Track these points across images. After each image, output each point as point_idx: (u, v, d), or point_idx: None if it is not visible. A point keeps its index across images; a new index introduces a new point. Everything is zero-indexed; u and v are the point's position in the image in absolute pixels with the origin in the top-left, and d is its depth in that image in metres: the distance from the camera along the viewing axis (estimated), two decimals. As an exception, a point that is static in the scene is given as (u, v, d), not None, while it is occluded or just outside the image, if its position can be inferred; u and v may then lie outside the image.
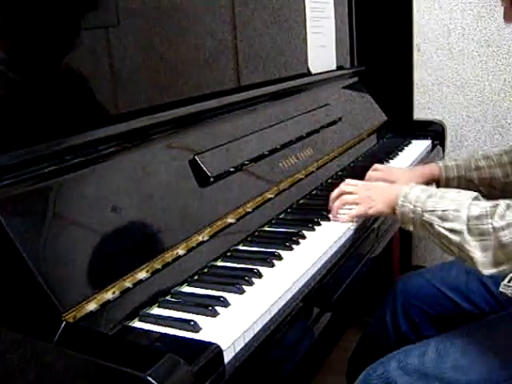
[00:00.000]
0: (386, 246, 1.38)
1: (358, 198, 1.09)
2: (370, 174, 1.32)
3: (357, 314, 2.03)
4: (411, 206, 0.98)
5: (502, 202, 0.90)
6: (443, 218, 0.93)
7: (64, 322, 0.68)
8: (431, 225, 0.95)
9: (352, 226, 1.11)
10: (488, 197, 1.39)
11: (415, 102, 2.15)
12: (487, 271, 0.89)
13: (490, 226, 0.88)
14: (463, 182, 1.33)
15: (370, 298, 1.92)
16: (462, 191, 0.99)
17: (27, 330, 0.68)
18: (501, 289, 1.09)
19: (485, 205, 0.91)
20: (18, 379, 0.69)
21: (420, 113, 2.15)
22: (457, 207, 0.92)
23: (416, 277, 1.30)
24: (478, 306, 1.18)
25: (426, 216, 0.96)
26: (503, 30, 1.97)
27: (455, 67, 2.07)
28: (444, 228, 0.93)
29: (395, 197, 1.02)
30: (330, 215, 1.12)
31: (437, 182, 1.35)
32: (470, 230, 0.90)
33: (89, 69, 0.91)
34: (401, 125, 1.97)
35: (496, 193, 1.36)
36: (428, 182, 1.34)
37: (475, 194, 0.97)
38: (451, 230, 0.92)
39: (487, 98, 2.05)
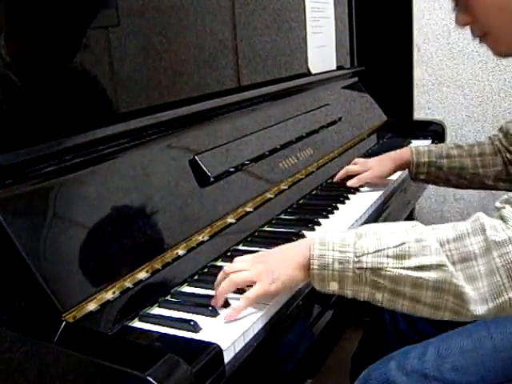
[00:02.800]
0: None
1: (252, 275, 0.78)
2: (348, 167, 1.40)
3: (357, 313, 2.03)
4: (336, 254, 0.72)
5: (482, 214, 0.71)
6: (401, 256, 0.69)
7: (64, 322, 0.68)
8: (378, 270, 0.70)
9: (352, 225, 1.11)
10: (456, 187, 1.40)
11: (415, 102, 2.15)
12: (481, 310, 0.69)
13: (476, 245, 0.68)
14: (433, 170, 1.33)
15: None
16: (389, 223, 0.77)
17: (27, 330, 0.68)
18: None
19: (451, 224, 0.72)
20: (18, 379, 0.69)
21: (420, 113, 2.16)
22: (416, 236, 0.70)
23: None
24: None
25: (369, 260, 0.70)
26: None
27: (455, 67, 2.07)
28: (407, 268, 0.69)
29: (305, 251, 0.75)
30: (216, 306, 0.79)
31: (408, 166, 1.36)
32: (449, 258, 0.69)
33: (89, 69, 0.91)
34: (401, 125, 1.97)
35: (464, 183, 1.36)
36: (400, 168, 1.38)
37: (414, 221, 0.75)
38: (421, 267, 0.68)
39: (487, 98, 2.05)
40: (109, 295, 0.76)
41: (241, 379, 0.72)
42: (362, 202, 1.26)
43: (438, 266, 0.68)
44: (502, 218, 0.69)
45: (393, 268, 0.69)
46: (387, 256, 0.70)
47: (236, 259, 0.83)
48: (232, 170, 1.11)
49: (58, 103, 0.86)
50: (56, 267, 0.73)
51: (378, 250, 0.70)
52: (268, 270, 0.78)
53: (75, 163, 0.84)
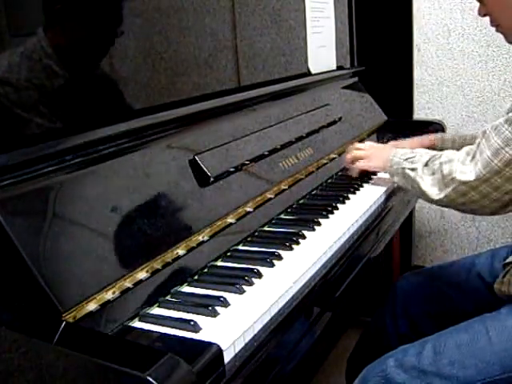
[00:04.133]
0: (385, 245, 1.37)
1: (364, 155, 1.36)
2: (355, 152, 1.42)
3: (357, 313, 2.03)
4: (396, 159, 1.19)
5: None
6: (411, 161, 1.15)
7: (64, 322, 0.68)
8: (403, 169, 1.16)
9: (352, 226, 1.11)
10: None
11: (415, 102, 2.15)
12: (436, 195, 1.08)
13: (438, 162, 1.08)
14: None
15: (370, 298, 1.92)
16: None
17: (27, 330, 0.68)
18: (495, 284, 1.10)
19: (442, 152, 1.12)
20: (18, 379, 0.69)
21: (420, 113, 2.16)
22: (424, 155, 1.14)
23: (416, 276, 1.30)
24: (479, 304, 1.18)
25: (403, 163, 1.16)
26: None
27: (455, 67, 2.07)
28: (408, 168, 1.15)
29: (389, 154, 1.23)
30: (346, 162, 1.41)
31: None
32: (425, 167, 1.11)
33: (89, 69, 0.91)
34: (401, 125, 1.97)
35: None
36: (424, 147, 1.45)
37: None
38: (412, 169, 1.14)
39: (487, 98, 2.05)
40: (109, 295, 0.76)
41: (241, 379, 0.72)
42: (362, 201, 1.26)
43: (414, 170, 1.13)
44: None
45: (405, 168, 1.16)
46: (408, 160, 1.16)
47: (358, 145, 1.42)
48: (232, 169, 1.11)
49: (57, 103, 0.86)
50: (56, 267, 0.73)
51: (408, 158, 1.17)
52: (371, 155, 1.34)
53: (75, 163, 0.84)
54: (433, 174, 1.09)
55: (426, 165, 1.11)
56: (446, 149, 1.35)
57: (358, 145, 1.42)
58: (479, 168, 0.99)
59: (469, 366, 0.94)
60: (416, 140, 1.52)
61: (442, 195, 1.06)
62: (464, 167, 1.03)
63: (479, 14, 1.16)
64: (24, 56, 0.80)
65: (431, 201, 1.11)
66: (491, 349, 0.95)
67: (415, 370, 0.96)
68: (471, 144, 1.35)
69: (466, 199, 1.03)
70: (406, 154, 1.19)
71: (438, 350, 0.97)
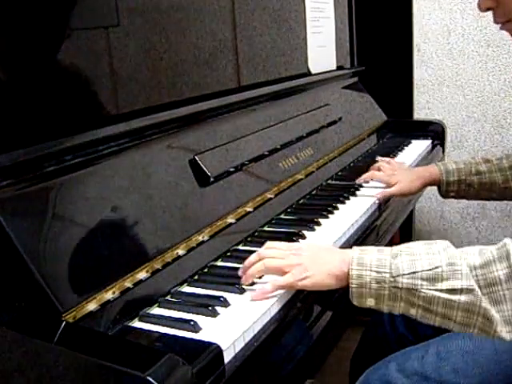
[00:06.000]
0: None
1: (285, 265, 0.83)
2: (374, 173, 1.38)
3: (357, 313, 2.03)
4: (373, 274, 0.77)
5: (509, 240, 0.75)
6: (434, 279, 0.74)
7: (64, 322, 0.68)
8: (414, 291, 0.75)
9: (352, 226, 1.11)
10: (487, 200, 1.40)
11: (415, 102, 2.15)
12: (505, 331, 0.73)
13: (502, 271, 0.72)
14: (463, 187, 1.33)
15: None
16: (428, 241, 0.81)
17: (27, 330, 0.68)
18: None
19: (479, 248, 0.76)
20: (18, 379, 0.69)
21: (420, 113, 2.16)
22: (448, 260, 0.75)
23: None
24: None
25: (403, 281, 0.75)
26: (503, 30, 1.97)
27: (455, 67, 2.07)
28: (439, 290, 0.73)
29: (341, 265, 0.80)
30: (243, 284, 0.85)
31: (437, 184, 1.36)
32: (478, 283, 0.73)
33: (89, 69, 0.91)
34: (401, 125, 1.97)
35: (495, 197, 1.36)
36: (428, 184, 1.37)
37: (446, 242, 0.80)
38: (452, 291, 0.73)
39: (487, 98, 2.05)
40: (109, 295, 0.76)
41: (241, 379, 0.72)
42: (362, 201, 1.26)
43: (468, 290, 0.72)
44: None
45: (426, 289, 0.74)
46: (421, 278, 0.74)
47: (270, 244, 0.89)
48: (232, 170, 1.11)
49: (57, 103, 0.86)
50: (56, 267, 0.73)
51: (413, 272, 0.75)
52: (302, 265, 0.82)
53: (75, 163, 0.84)
54: (494, 293, 0.72)
55: (478, 280, 0.73)
56: (452, 182, 1.31)
57: (269, 243, 0.89)
58: None
59: (472, 376, 0.92)
60: (414, 176, 1.32)
61: None
62: None
63: (481, 8, 1.02)
64: None
65: (500, 339, 0.75)
66: (496, 358, 0.93)
67: (417, 376, 0.94)
68: (479, 174, 1.28)
69: None
70: (384, 262, 0.77)
71: (441, 355, 0.94)
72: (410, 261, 0.76)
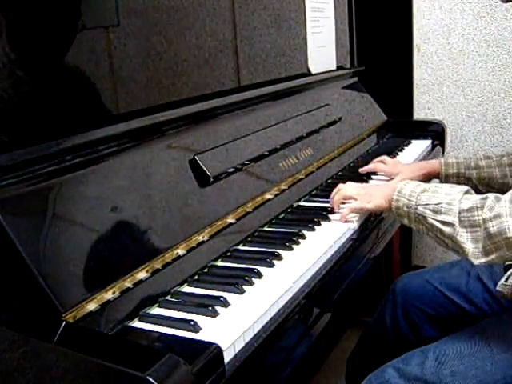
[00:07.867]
0: (385, 246, 1.37)
1: (355, 194, 1.15)
2: (377, 164, 1.45)
3: (357, 314, 2.03)
4: (405, 201, 1.02)
5: (491, 195, 0.93)
6: (436, 211, 0.97)
7: (64, 322, 0.68)
8: (424, 218, 0.99)
9: (352, 226, 1.11)
10: None
11: (415, 102, 2.15)
12: (478, 261, 0.92)
13: (479, 217, 0.91)
14: (462, 180, 1.36)
15: (370, 298, 1.92)
16: (455, 185, 1.03)
17: (27, 330, 0.68)
18: (498, 288, 1.09)
19: (475, 198, 0.95)
20: (18, 379, 0.69)
21: (420, 113, 2.15)
22: (449, 201, 0.96)
23: (416, 277, 1.30)
24: (478, 306, 1.18)
25: (420, 209, 0.99)
26: (503, 30, 1.97)
27: (455, 67, 2.07)
28: (437, 220, 0.96)
29: (391, 191, 1.06)
30: (333, 209, 1.17)
31: (437, 177, 1.39)
32: (461, 222, 0.93)
33: (89, 69, 0.91)
34: (401, 125, 1.97)
35: (493, 192, 1.36)
36: (429, 177, 1.40)
37: (466, 188, 1.00)
38: (444, 223, 0.95)
39: (487, 98, 2.05)
40: (109, 295, 0.76)
41: (241, 379, 0.72)
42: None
43: (451, 224, 0.94)
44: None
45: (431, 218, 0.98)
46: (429, 210, 0.98)
47: (344, 185, 1.19)
48: (232, 170, 1.11)
49: (58, 103, 0.86)
50: (56, 267, 0.73)
51: (427, 204, 0.99)
52: (366, 194, 1.13)
53: (75, 163, 0.84)
54: (474, 232, 0.91)
55: (462, 220, 0.93)
56: (451, 174, 1.37)
57: (341, 185, 1.20)
58: None
59: (471, 377, 0.93)
60: (416, 168, 1.42)
61: (489, 258, 0.91)
62: None
63: None
64: None
65: (470, 262, 0.94)
66: (493, 359, 0.94)
67: (417, 381, 0.95)
68: (478, 168, 1.35)
69: None
70: (415, 193, 1.02)
71: (440, 360, 0.96)
72: (429, 196, 0.99)
